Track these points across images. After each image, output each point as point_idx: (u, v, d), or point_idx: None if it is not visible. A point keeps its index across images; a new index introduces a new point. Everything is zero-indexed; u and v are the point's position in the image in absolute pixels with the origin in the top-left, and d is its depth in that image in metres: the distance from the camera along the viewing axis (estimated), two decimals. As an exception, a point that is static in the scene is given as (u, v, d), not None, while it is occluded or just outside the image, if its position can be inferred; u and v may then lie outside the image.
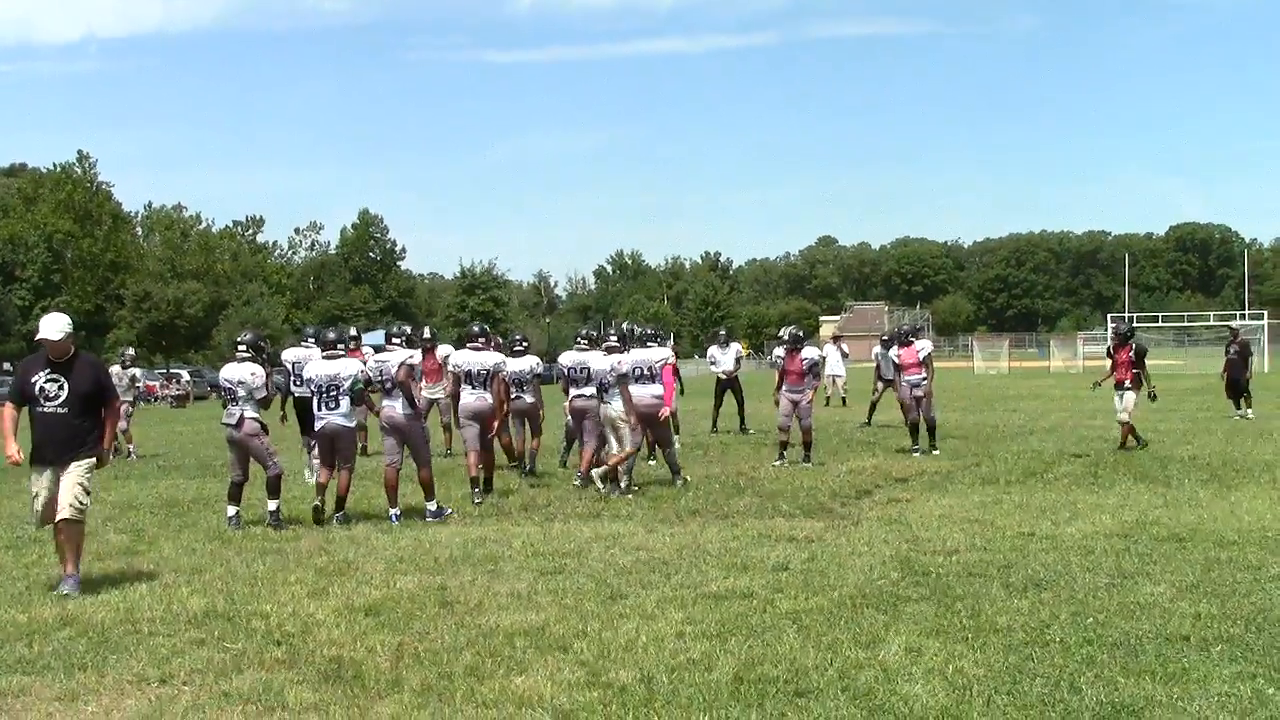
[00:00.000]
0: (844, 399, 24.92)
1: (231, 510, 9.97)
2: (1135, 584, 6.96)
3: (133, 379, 18.82)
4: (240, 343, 10.21)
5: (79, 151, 74.51)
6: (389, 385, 10.24)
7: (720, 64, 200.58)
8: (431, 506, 10.18)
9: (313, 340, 13.37)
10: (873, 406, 19.90)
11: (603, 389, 11.61)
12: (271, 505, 9.95)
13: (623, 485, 11.48)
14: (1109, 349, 15.58)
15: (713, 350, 19.68)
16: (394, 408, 10.22)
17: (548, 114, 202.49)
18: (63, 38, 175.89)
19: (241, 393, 9.79)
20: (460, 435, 12.06)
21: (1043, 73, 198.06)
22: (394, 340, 10.89)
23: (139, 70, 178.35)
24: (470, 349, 11.71)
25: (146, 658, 5.74)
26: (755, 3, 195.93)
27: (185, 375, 51.85)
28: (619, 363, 11.53)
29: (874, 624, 6.10)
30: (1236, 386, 20.76)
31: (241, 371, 9.83)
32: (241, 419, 9.78)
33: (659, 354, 12.47)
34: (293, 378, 13.39)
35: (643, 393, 11.82)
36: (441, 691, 5.12)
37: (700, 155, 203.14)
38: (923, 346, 15.31)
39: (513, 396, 13.09)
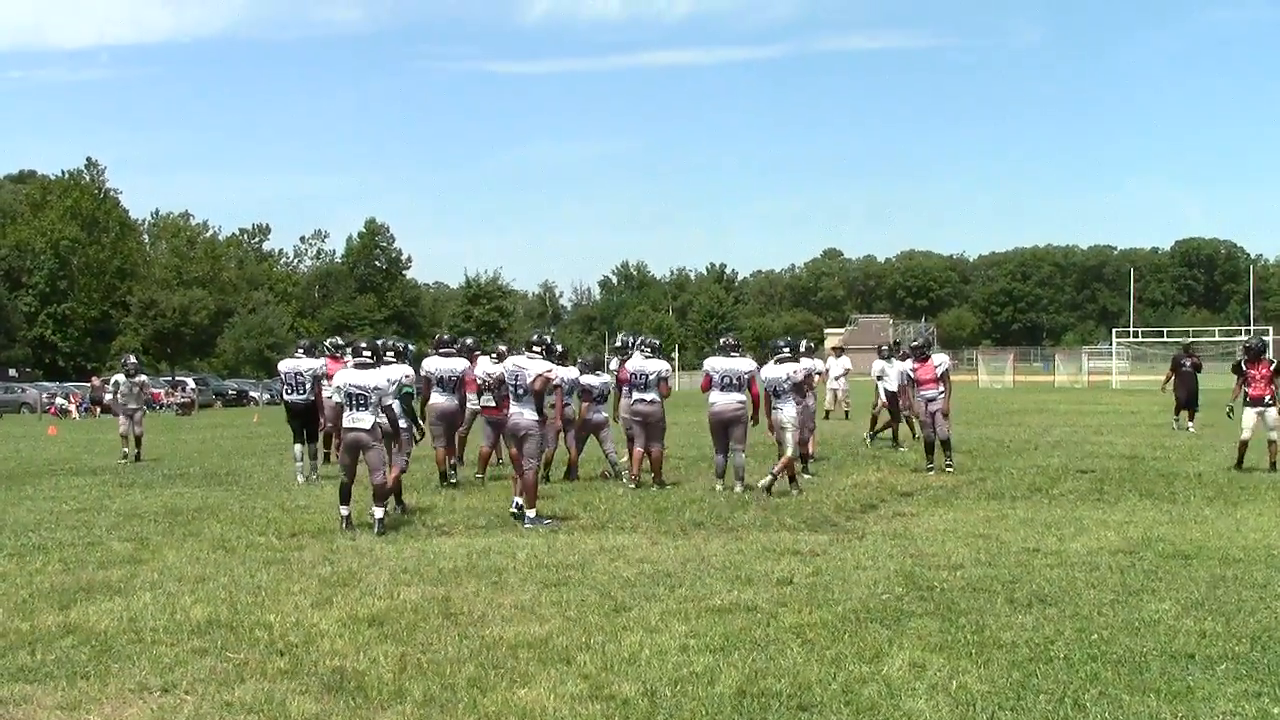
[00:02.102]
0: (846, 412, 24.87)
1: (345, 510, 10.09)
2: (1140, 601, 6.95)
3: (141, 386, 18.90)
4: (365, 348, 10.48)
5: (87, 159, 75.16)
6: (521, 391, 10.46)
7: (727, 76, 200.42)
8: (531, 514, 10.28)
9: (302, 351, 14.73)
10: (874, 420, 19.84)
11: (775, 394, 12.25)
12: (378, 512, 9.98)
13: (798, 486, 12.30)
14: (1238, 365, 15.32)
15: (881, 364, 18.43)
16: (520, 414, 10.49)
17: (554, 124, 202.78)
18: (74, 44, 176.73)
19: (374, 398, 10.06)
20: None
21: (1049, 86, 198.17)
22: (534, 348, 10.83)
23: (149, 78, 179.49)
24: (441, 355, 13.29)
25: (149, 667, 5.74)
26: (763, 16, 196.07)
27: (190, 383, 52.04)
28: (794, 371, 12.23)
29: (878, 638, 6.09)
30: (1189, 401, 21.90)
31: (376, 378, 10.14)
32: (375, 425, 10.08)
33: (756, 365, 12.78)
34: (285, 386, 14.48)
35: (729, 399, 12.34)
36: (444, 703, 5.12)
37: (706, 167, 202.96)
38: (940, 362, 14.96)
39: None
